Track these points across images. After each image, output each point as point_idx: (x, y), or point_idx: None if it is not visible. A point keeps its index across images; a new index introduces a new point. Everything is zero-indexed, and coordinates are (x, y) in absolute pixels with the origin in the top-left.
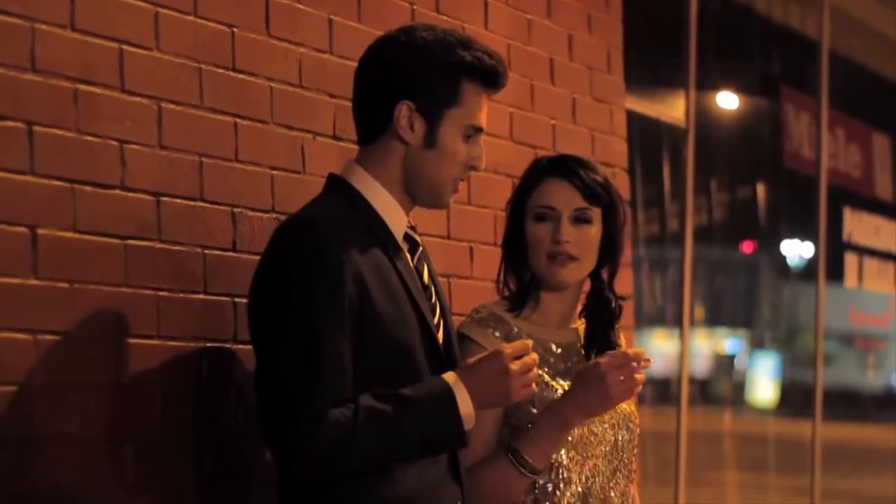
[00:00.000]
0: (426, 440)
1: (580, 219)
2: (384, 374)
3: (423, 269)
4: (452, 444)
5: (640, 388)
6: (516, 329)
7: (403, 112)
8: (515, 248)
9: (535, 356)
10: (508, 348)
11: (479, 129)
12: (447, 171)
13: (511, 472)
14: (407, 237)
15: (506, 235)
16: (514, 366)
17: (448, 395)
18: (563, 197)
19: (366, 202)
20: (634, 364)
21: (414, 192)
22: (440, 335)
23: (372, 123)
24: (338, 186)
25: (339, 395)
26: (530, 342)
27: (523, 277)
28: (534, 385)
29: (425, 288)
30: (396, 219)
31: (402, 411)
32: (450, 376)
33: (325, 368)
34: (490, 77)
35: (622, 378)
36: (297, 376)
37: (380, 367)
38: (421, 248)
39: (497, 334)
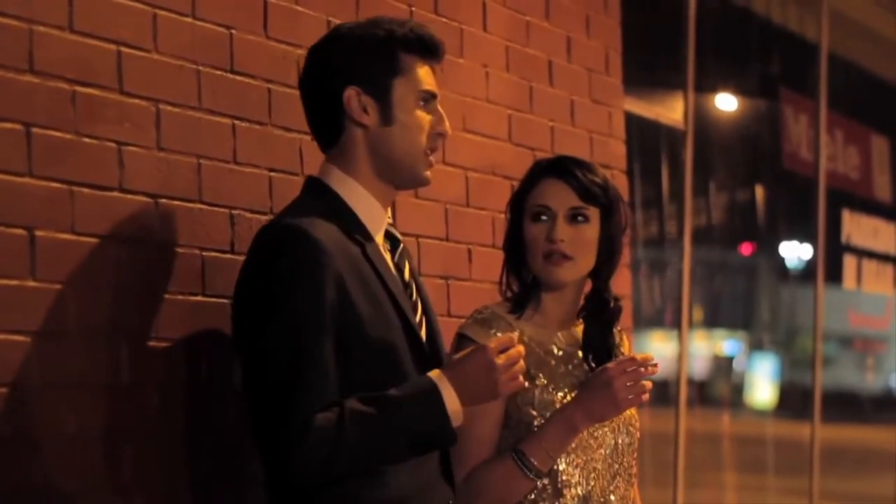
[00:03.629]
0: (414, 439)
1: (576, 218)
2: (371, 377)
3: (403, 267)
4: (441, 442)
5: (648, 395)
6: (518, 330)
7: (352, 97)
8: (515, 249)
9: (520, 348)
10: (493, 342)
11: (432, 95)
12: (413, 144)
13: (516, 474)
14: (387, 235)
15: (506, 237)
16: (500, 360)
17: (433, 392)
18: (558, 196)
19: (343, 203)
20: (642, 370)
21: (390, 176)
22: (423, 333)
23: (329, 124)
24: (315, 189)
25: (325, 400)
26: (516, 334)
27: (525, 279)
28: (521, 378)
29: (406, 286)
30: (375, 217)
31: (386, 411)
32: (434, 373)
33: (309, 374)
34: (426, 45)
35: (629, 384)
36: (283, 383)
37: (365, 369)
38: (402, 246)
39: (498, 335)
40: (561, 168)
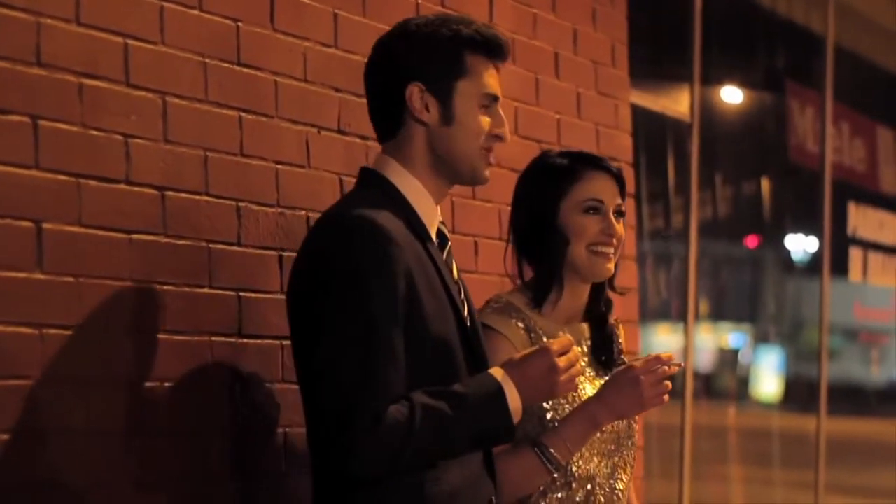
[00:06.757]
0: (477, 435)
1: (620, 213)
2: (428, 370)
3: (451, 265)
4: (502, 440)
5: (668, 396)
6: (532, 320)
7: (415, 94)
8: (543, 238)
9: (577, 352)
10: (555, 345)
11: (494, 98)
12: (471, 145)
13: (536, 466)
14: (438, 232)
15: (528, 227)
16: (561, 362)
17: (498, 391)
18: (609, 191)
19: (402, 196)
20: (666, 368)
21: (448, 172)
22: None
23: (389, 117)
24: (373, 181)
25: (396, 392)
26: (571, 338)
27: (544, 269)
28: (576, 381)
29: (454, 283)
30: (429, 213)
31: (455, 408)
32: (497, 372)
33: (384, 366)
34: (491, 46)
35: (654, 383)
36: (357, 375)
37: (424, 362)
38: (449, 244)
39: (519, 324)
40: (598, 162)
